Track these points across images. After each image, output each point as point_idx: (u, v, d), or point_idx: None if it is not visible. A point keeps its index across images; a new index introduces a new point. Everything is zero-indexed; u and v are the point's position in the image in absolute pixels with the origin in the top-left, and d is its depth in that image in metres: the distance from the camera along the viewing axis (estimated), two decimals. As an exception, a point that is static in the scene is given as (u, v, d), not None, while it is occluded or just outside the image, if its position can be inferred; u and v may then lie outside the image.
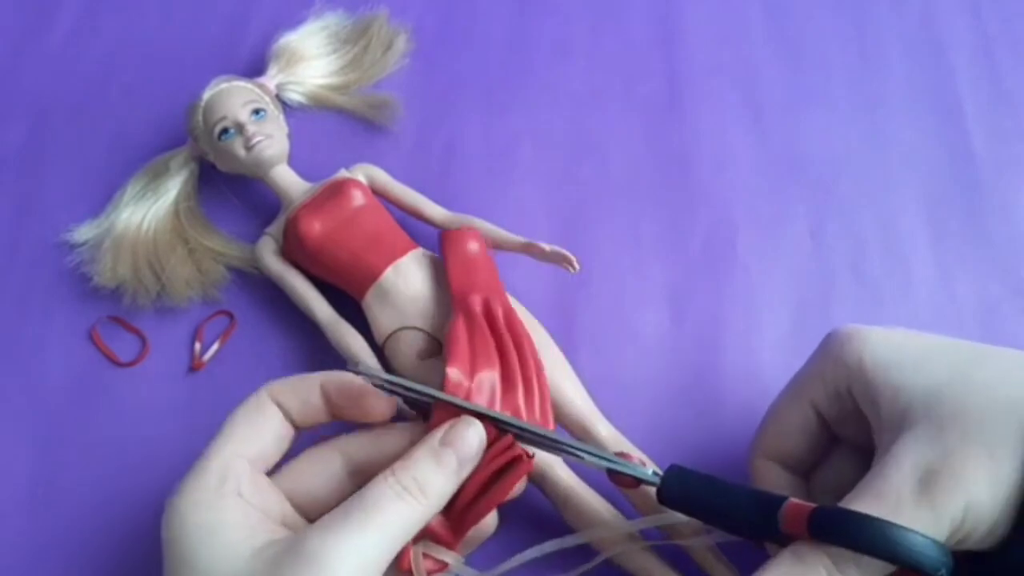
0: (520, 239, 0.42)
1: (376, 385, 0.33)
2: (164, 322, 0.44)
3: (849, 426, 0.34)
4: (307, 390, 0.33)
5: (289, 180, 0.44)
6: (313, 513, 0.32)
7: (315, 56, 0.50)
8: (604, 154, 0.49)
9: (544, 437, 0.32)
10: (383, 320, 0.40)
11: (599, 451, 0.33)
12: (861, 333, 0.32)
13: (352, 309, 0.42)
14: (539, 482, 0.38)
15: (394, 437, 0.33)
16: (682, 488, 0.32)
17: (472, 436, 0.31)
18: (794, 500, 0.30)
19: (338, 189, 0.42)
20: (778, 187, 0.47)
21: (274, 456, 0.32)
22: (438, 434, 0.31)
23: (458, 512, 0.32)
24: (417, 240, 0.43)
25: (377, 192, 0.44)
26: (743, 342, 0.43)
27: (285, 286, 0.43)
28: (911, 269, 0.45)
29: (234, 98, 0.44)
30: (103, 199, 0.47)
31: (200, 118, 0.44)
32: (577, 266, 0.41)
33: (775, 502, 0.31)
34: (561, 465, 0.38)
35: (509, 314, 0.39)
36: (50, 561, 0.39)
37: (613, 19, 0.53)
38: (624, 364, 0.43)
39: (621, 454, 0.33)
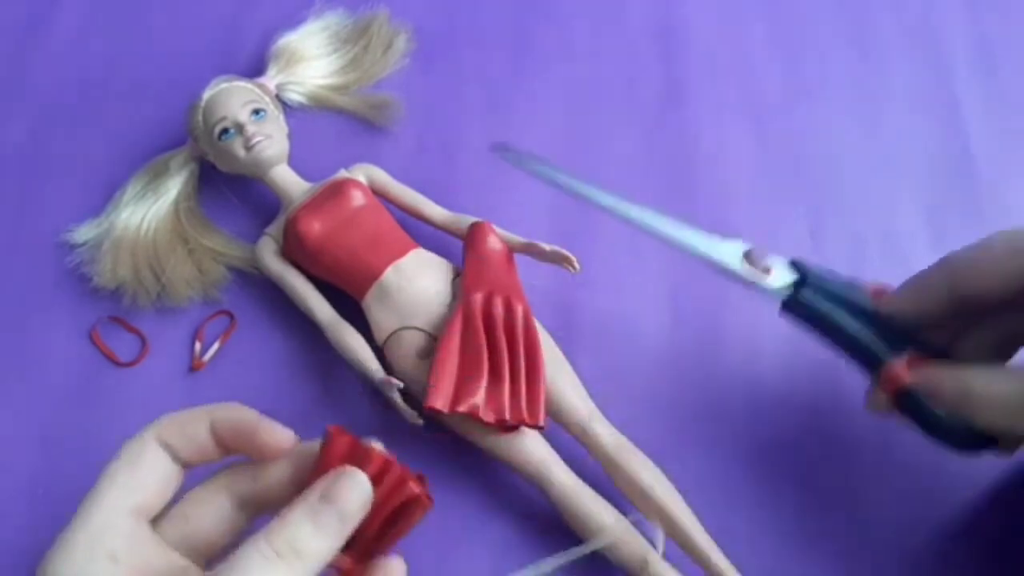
0: (520, 239, 0.42)
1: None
2: (164, 322, 0.44)
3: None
4: (194, 427, 0.30)
5: (289, 180, 0.44)
6: (209, 554, 0.30)
7: (315, 56, 0.50)
8: (604, 154, 0.49)
9: None
10: (383, 320, 0.40)
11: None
12: None
13: (352, 309, 0.42)
14: (537, 483, 0.38)
15: (279, 468, 0.30)
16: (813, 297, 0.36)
17: (355, 492, 0.27)
18: (900, 363, 0.34)
19: (338, 189, 0.42)
20: (778, 187, 0.47)
21: (159, 502, 0.29)
22: (317, 489, 0.27)
23: (362, 546, 0.29)
24: (417, 240, 0.43)
25: (377, 192, 0.44)
26: (743, 342, 0.43)
27: (285, 286, 0.43)
28: (911, 269, 0.45)
29: (234, 98, 0.44)
30: (103, 199, 0.47)
31: (200, 118, 0.44)
32: (577, 266, 0.41)
33: (891, 348, 0.35)
34: (559, 465, 0.38)
35: (512, 311, 0.39)
36: (50, 561, 0.39)
37: (613, 19, 0.53)
38: (624, 364, 0.43)
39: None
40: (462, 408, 0.37)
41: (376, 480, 0.28)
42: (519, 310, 0.39)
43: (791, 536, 0.39)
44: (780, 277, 0.37)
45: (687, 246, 0.38)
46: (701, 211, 0.47)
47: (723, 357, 0.43)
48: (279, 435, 0.30)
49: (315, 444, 0.29)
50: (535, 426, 0.37)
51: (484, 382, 0.38)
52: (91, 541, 0.27)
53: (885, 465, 0.40)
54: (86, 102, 0.51)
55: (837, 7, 0.53)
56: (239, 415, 0.30)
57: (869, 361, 0.35)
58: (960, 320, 0.35)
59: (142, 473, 0.29)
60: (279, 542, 0.26)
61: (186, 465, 0.30)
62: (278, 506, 0.28)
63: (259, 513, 0.30)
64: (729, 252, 0.38)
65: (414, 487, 0.28)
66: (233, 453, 0.30)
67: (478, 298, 0.39)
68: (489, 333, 0.39)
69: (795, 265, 0.37)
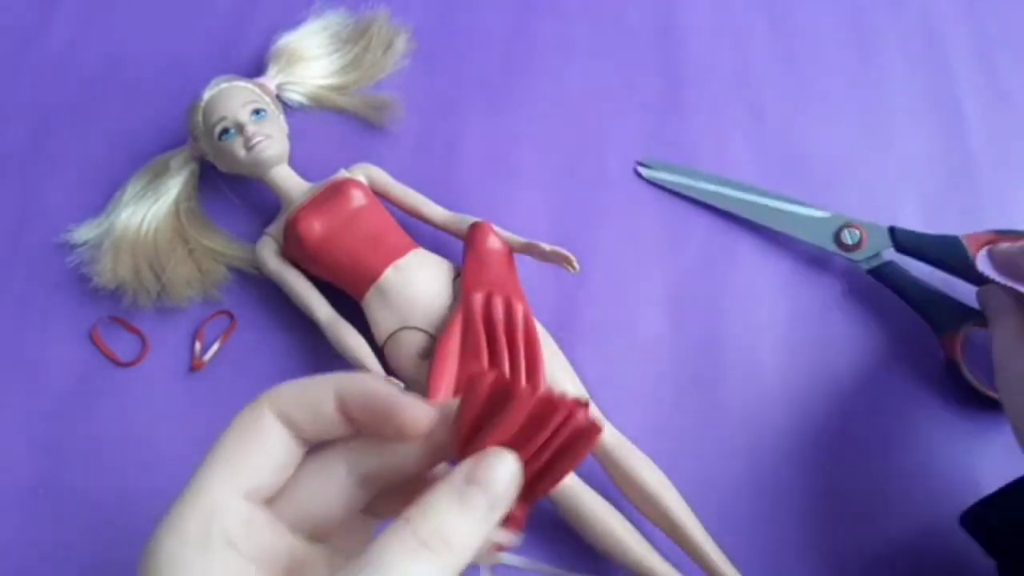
0: (520, 239, 0.42)
1: None
2: (164, 322, 0.44)
3: None
4: (318, 399, 0.26)
5: (289, 180, 0.44)
6: (322, 533, 0.27)
7: (315, 56, 0.49)
8: (604, 154, 0.49)
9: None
10: (383, 320, 0.40)
11: None
12: None
13: (352, 309, 0.42)
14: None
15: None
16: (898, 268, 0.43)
17: (503, 472, 0.24)
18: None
19: (338, 189, 0.42)
20: (778, 187, 0.47)
21: (276, 483, 0.26)
22: (462, 470, 0.24)
23: (528, 489, 0.27)
24: (417, 240, 0.43)
25: (377, 192, 0.44)
26: (743, 342, 0.43)
27: (285, 286, 0.43)
28: (911, 269, 0.45)
29: (234, 98, 0.44)
30: (103, 199, 0.47)
31: (200, 118, 0.44)
32: (577, 266, 0.41)
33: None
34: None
35: (512, 311, 0.39)
36: (50, 560, 0.39)
37: (613, 19, 0.53)
38: (624, 364, 0.43)
39: None
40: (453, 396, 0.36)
41: (536, 418, 0.25)
42: (519, 310, 0.39)
43: (792, 536, 0.39)
44: (872, 246, 0.43)
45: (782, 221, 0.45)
46: (701, 211, 0.47)
47: (722, 357, 0.43)
48: (420, 412, 0.25)
49: (451, 407, 0.26)
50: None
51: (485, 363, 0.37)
52: (205, 525, 0.24)
53: (887, 464, 0.40)
54: (86, 102, 0.51)
55: (837, 7, 0.53)
56: (371, 388, 0.26)
57: (945, 324, 0.41)
58: None
59: (256, 451, 0.26)
60: (426, 530, 0.23)
61: (307, 442, 0.26)
62: (404, 482, 0.25)
63: (382, 490, 0.26)
64: (820, 223, 0.44)
65: (582, 417, 0.25)
66: (363, 431, 0.26)
67: (478, 298, 0.39)
68: (489, 333, 0.39)
69: (890, 231, 0.43)
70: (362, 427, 0.26)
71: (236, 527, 0.25)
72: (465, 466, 0.24)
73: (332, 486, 0.26)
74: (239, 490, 0.25)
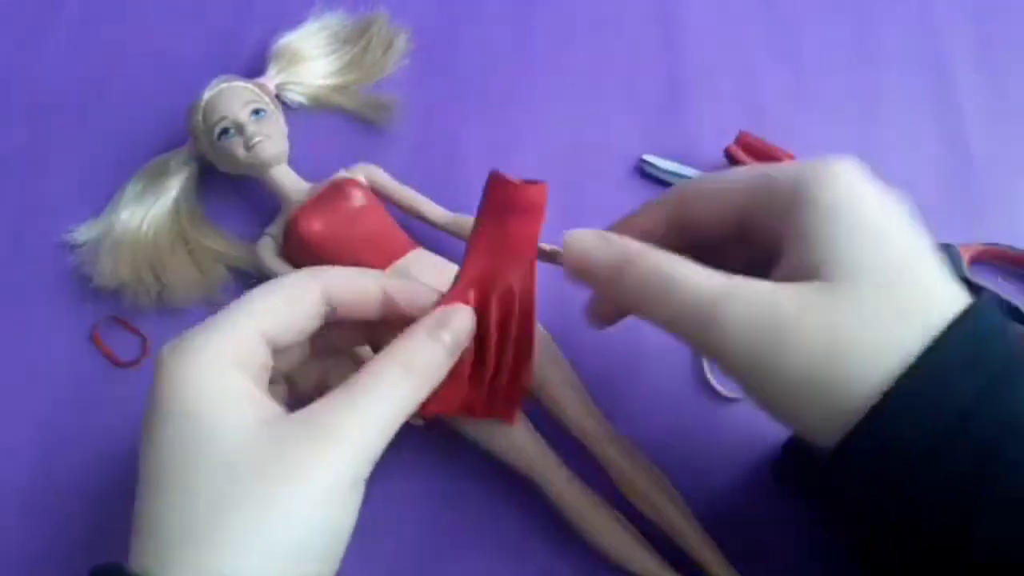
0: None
1: None
2: (164, 322, 0.44)
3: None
4: (365, 288, 0.32)
5: (289, 180, 0.44)
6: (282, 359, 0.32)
7: (315, 56, 0.49)
8: (604, 154, 0.49)
9: None
10: (383, 320, 0.40)
11: None
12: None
13: (352, 309, 0.42)
14: (537, 483, 0.38)
15: (373, 281, 0.33)
16: None
17: (463, 318, 0.32)
18: None
19: (338, 189, 0.42)
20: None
21: (295, 339, 0.31)
22: (434, 317, 0.31)
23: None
24: (418, 240, 0.43)
25: (377, 192, 0.44)
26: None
27: (285, 286, 0.43)
28: (911, 269, 0.45)
29: (234, 98, 0.44)
30: (103, 199, 0.47)
31: (200, 118, 0.44)
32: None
33: None
34: (559, 465, 0.38)
35: (509, 297, 0.34)
36: (50, 561, 0.39)
37: (613, 18, 0.53)
38: (625, 364, 0.43)
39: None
40: (431, 407, 0.32)
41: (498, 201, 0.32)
42: (516, 297, 0.34)
43: (793, 536, 0.39)
44: None
45: None
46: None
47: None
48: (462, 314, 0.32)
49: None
50: (507, 419, 0.37)
51: (465, 377, 0.35)
52: (220, 345, 0.29)
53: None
54: (86, 102, 0.51)
55: (837, 7, 0.53)
56: (418, 294, 0.33)
57: None
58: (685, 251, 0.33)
59: (290, 304, 0.31)
60: (405, 358, 0.30)
61: (340, 316, 0.32)
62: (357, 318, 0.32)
63: (336, 330, 0.33)
64: None
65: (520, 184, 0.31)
66: (394, 324, 0.32)
67: (467, 292, 0.34)
68: (480, 322, 0.34)
69: None
70: (398, 317, 0.32)
71: (248, 355, 0.29)
72: (435, 314, 0.32)
73: (306, 310, 0.31)
74: (264, 332, 0.30)
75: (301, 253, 0.42)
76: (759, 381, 0.29)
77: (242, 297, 0.30)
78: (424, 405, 0.32)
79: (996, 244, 0.44)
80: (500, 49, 0.52)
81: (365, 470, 0.28)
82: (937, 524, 0.27)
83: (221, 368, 0.28)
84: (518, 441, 0.38)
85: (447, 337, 0.31)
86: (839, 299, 0.28)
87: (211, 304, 0.44)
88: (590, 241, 0.32)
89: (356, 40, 0.51)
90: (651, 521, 0.37)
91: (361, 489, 0.28)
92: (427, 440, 0.40)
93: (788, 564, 0.38)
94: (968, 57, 0.51)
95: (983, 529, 0.26)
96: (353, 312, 0.32)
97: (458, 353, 0.32)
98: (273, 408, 0.29)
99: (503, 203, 0.32)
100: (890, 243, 0.29)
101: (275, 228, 0.44)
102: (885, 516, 0.28)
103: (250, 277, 0.45)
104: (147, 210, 0.45)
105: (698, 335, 0.29)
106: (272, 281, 0.31)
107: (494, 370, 0.35)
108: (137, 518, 0.28)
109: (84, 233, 0.45)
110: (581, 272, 0.33)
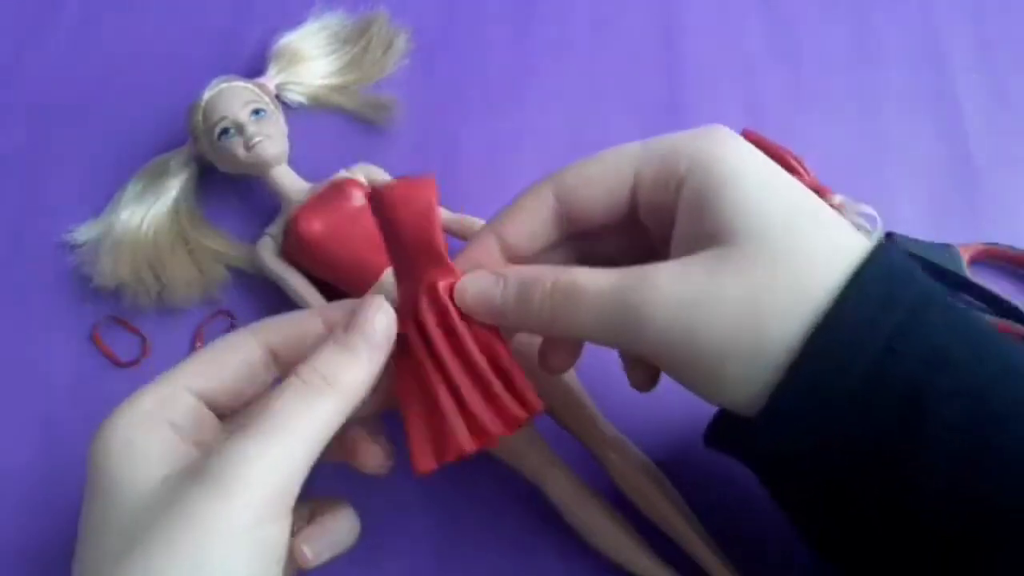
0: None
1: None
2: (164, 322, 0.44)
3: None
4: (303, 330, 0.30)
5: (289, 180, 0.44)
6: (230, 404, 0.31)
7: (315, 56, 0.49)
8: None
9: None
10: (383, 320, 0.40)
11: None
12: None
13: (352, 309, 0.42)
14: (538, 483, 0.38)
15: (315, 321, 0.30)
16: None
17: (379, 318, 0.29)
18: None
19: (338, 189, 0.42)
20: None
21: (234, 388, 0.30)
22: (340, 323, 0.29)
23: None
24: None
25: (377, 192, 0.44)
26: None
27: (285, 286, 0.43)
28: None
29: (234, 98, 0.44)
30: (103, 199, 0.47)
31: (200, 118, 0.44)
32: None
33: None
34: (559, 465, 0.38)
35: (438, 301, 0.30)
36: (50, 561, 0.39)
37: (613, 19, 0.53)
38: (620, 361, 0.43)
39: None
40: (450, 457, 0.30)
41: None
42: (444, 296, 0.30)
43: (794, 533, 0.39)
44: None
45: None
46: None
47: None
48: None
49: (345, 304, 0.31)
50: (534, 414, 0.31)
51: (450, 408, 0.30)
52: (156, 406, 0.28)
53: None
54: (86, 102, 0.51)
55: (837, 7, 0.53)
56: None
57: None
58: (574, 247, 0.33)
59: (224, 363, 0.30)
60: (310, 375, 0.27)
61: (285, 361, 0.30)
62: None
63: (286, 370, 0.29)
64: None
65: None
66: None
67: (408, 320, 0.31)
68: (427, 347, 0.31)
69: (887, 236, 0.41)
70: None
71: (181, 415, 0.28)
72: (343, 318, 0.29)
73: (245, 362, 0.30)
74: (196, 390, 0.29)
75: (301, 253, 0.42)
76: (684, 361, 0.28)
77: (181, 362, 0.30)
78: (427, 462, 0.30)
79: (996, 244, 0.44)
80: (500, 49, 0.52)
81: (275, 509, 0.26)
82: (877, 475, 0.27)
83: (132, 424, 0.28)
84: (517, 441, 0.38)
85: (358, 344, 0.28)
86: (747, 261, 0.27)
87: (211, 304, 0.44)
88: (485, 283, 0.30)
89: (356, 40, 0.51)
90: (650, 520, 0.37)
91: (277, 527, 0.26)
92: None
93: (789, 562, 0.38)
94: (968, 57, 0.51)
95: (924, 470, 0.26)
96: (300, 353, 0.29)
97: (381, 358, 0.29)
98: (187, 455, 0.28)
99: (389, 211, 0.30)
100: (785, 200, 0.29)
101: (275, 228, 0.44)
102: (827, 473, 0.28)
103: (250, 277, 0.45)
104: (147, 210, 0.45)
105: (621, 333, 0.29)
106: (216, 340, 0.31)
107: (471, 377, 0.30)
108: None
109: (84, 233, 0.45)
110: (488, 315, 0.30)
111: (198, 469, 0.26)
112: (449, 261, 0.30)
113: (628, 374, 0.34)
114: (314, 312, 0.31)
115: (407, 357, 0.31)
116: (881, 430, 0.26)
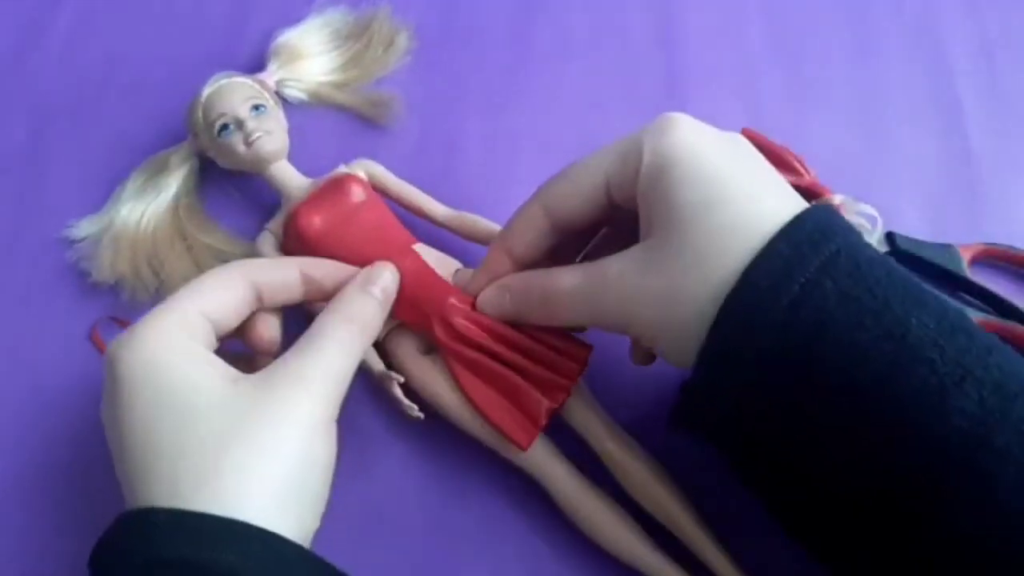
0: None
1: None
2: (163, 320, 0.44)
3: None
4: (284, 271, 0.35)
5: (289, 176, 0.44)
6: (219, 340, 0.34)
7: (316, 53, 0.50)
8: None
9: None
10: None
11: None
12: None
13: (352, 305, 0.41)
14: (540, 480, 0.38)
15: (293, 272, 0.35)
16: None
17: (387, 275, 0.36)
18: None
19: (338, 185, 0.42)
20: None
21: (233, 323, 0.34)
22: (363, 275, 0.36)
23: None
24: (418, 236, 0.43)
25: (376, 188, 0.44)
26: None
27: (285, 282, 0.43)
28: (912, 268, 0.45)
29: (234, 94, 0.44)
30: (103, 198, 0.46)
31: (200, 114, 0.44)
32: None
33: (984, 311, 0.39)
34: (561, 462, 0.38)
35: (447, 306, 0.38)
36: (50, 560, 0.39)
37: (613, 19, 0.53)
38: (622, 356, 0.42)
39: None
40: (543, 420, 0.36)
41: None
42: (467, 307, 0.38)
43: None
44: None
45: None
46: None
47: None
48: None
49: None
50: (588, 353, 0.37)
51: (519, 382, 0.37)
52: (168, 324, 0.31)
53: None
54: (86, 101, 0.51)
55: (837, 7, 0.53)
56: (336, 269, 0.36)
57: None
58: (575, 242, 0.37)
59: (225, 293, 0.33)
60: (345, 312, 0.34)
61: (266, 302, 0.35)
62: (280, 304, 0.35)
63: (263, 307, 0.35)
64: None
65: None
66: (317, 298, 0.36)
67: (439, 332, 0.38)
68: (477, 347, 0.37)
69: (888, 236, 0.41)
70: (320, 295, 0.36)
71: (204, 337, 0.32)
72: (362, 272, 0.36)
73: (237, 297, 0.34)
74: (208, 314, 0.33)
75: (301, 248, 0.42)
76: (641, 341, 0.34)
77: (179, 289, 0.33)
78: (526, 436, 0.36)
79: (996, 244, 0.44)
80: (501, 47, 0.52)
81: (333, 411, 0.31)
82: (784, 436, 0.29)
83: (178, 339, 0.31)
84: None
85: (376, 290, 0.35)
86: (663, 253, 0.30)
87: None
88: (494, 298, 0.36)
89: (357, 37, 0.51)
90: (652, 514, 0.37)
91: (333, 430, 0.31)
92: (428, 435, 0.40)
93: (793, 557, 0.38)
94: (968, 57, 0.51)
95: (820, 433, 0.28)
96: (277, 296, 0.35)
97: (390, 304, 0.36)
98: (233, 369, 0.31)
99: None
100: (703, 187, 0.30)
101: (275, 223, 0.44)
102: (757, 438, 0.30)
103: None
104: (147, 206, 0.45)
105: (596, 320, 0.34)
106: (206, 273, 0.34)
107: (520, 352, 0.37)
108: (132, 480, 0.29)
109: (84, 228, 0.45)
110: (516, 318, 0.36)
111: (276, 372, 0.31)
112: (451, 285, 0.38)
113: (630, 351, 0.37)
114: (292, 263, 0.36)
115: (462, 365, 0.37)
116: (782, 387, 0.28)
